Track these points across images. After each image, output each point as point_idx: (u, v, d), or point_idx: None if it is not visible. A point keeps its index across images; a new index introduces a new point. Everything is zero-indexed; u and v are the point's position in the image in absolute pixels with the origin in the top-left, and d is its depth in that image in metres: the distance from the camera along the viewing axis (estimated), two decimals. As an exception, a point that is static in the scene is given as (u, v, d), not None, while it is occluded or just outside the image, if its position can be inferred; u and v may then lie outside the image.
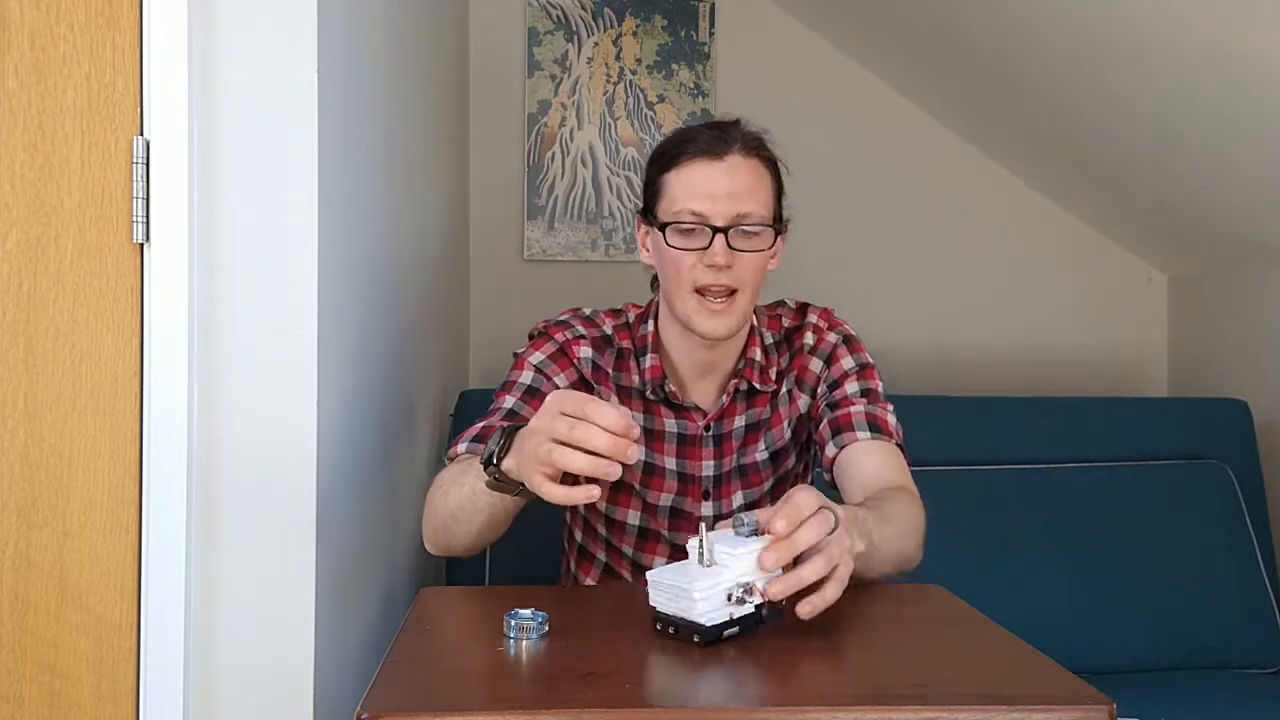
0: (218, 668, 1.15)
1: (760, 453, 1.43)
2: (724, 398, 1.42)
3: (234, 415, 1.14)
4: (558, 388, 1.37)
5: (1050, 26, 2.03)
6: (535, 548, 1.75)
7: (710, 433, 1.42)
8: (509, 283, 2.62)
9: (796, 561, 0.95)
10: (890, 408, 1.39)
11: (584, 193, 2.64)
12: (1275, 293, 2.29)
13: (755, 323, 1.44)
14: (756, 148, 1.34)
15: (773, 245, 1.35)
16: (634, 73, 2.64)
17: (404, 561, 1.69)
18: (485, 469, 1.12)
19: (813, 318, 1.46)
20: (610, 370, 1.43)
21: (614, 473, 0.98)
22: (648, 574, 0.97)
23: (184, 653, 1.12)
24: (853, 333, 1.46)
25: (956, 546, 1.98)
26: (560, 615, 0.98)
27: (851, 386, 1.40)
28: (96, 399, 1.11)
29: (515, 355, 1.42)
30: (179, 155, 1.11)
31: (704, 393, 1.43)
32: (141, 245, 1.12)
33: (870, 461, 1.33)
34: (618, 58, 2.65)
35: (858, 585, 1.02)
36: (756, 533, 0.95)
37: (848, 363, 1.42)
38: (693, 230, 1.31)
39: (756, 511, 0.97)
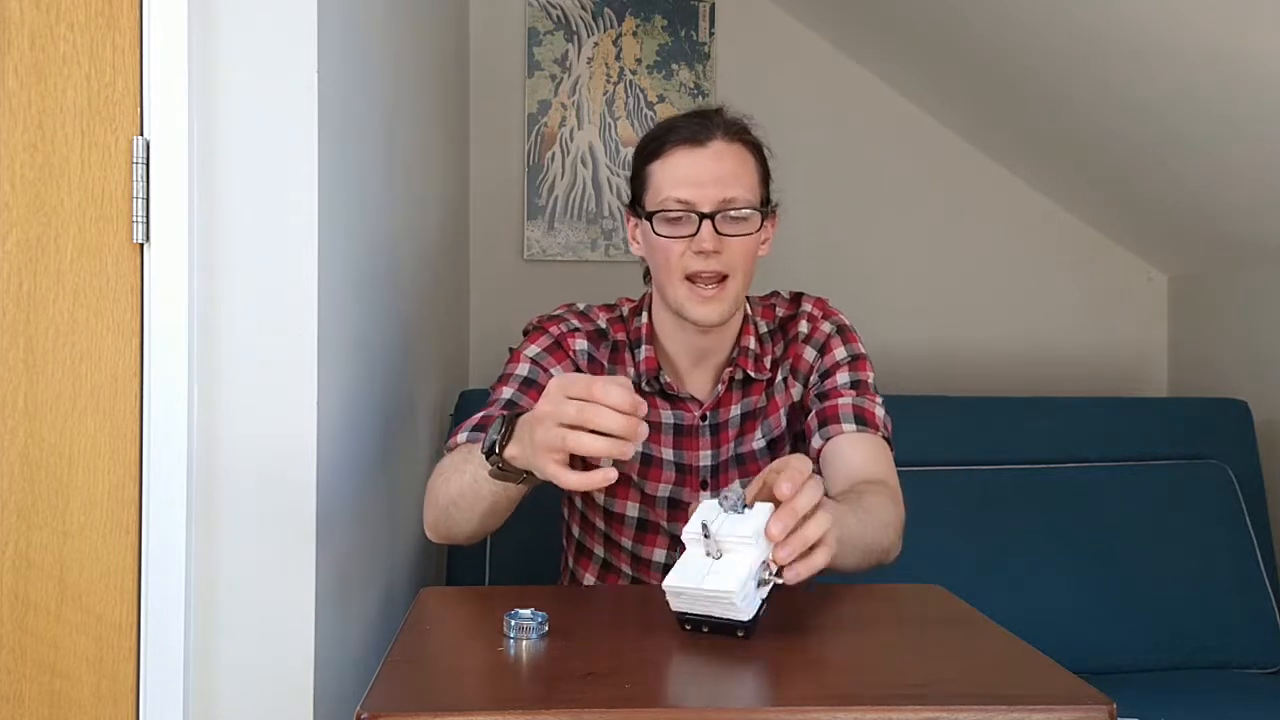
0: (218, 668, 1.15)
1: (757, 441, 1.43)
2: (719, 387, 1.42)
3: (234, 415, 1.14)
4: None
5: (1050, 26, 2.03)
6: (535, 547, 1.75)
7: (706, 422, 1.43)
8: (509, 283, 2.62)
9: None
10: (879, 400, 1.40)
11: (584, 193, 2.64)
12: (1275, 293, 2.29)
13: (749, 311, 1.44)
14: (739, 133, 1.35)
15: (761, 229, 1.35)
16: (634, 73, 2.64)
17: (404, 561, 1.69)
18: (487, 458, 1.12)
19: (807, 306, 1.47)
20: (605, 363, 1.43)
21: (628, 451, 0.98)
22: (664, 584, 0.94)
23: (184, 653, 1.12)
24: (847, 322, 1.46)
25: (956, 546, 1.98)
26: (560, 615, 0.98)
27: (842, 377, 1.40)
28: (96, 399, 1.11)
29: (511, 351, 1.43)
30: (179, 155, 1.11)
31: (699, 383, 1.43)
32: (141, 245, 1.12)
33: (854, 454, 1.33)
34: (618, 58, 2.64)
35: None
36: (744, 503, 0.95)
37: (840, 353, 1.42)
38: (680, 218, 1.32)
39: (736, 484, 0.97)
